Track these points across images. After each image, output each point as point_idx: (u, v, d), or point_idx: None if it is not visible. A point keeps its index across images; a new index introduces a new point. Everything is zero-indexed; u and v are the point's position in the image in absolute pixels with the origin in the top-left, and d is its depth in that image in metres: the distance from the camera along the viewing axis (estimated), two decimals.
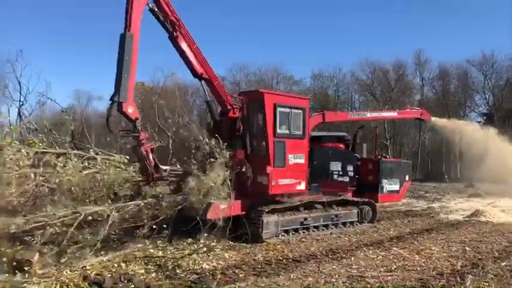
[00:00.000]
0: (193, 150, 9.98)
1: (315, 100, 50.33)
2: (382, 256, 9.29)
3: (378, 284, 7.17)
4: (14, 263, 6.71)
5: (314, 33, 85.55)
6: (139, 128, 9.24)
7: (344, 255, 9.36)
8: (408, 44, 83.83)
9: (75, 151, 9.44)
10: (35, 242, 7.22)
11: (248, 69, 60.60)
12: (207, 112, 14.60)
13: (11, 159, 8.11)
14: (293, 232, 11.14)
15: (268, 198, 10.65)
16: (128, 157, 10.26)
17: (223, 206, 9.70)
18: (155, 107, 25.44)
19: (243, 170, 10.29)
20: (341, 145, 14.57)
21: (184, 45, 10.25)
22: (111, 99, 8.81)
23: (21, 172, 8.08)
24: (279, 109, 10.69)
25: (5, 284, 6.12)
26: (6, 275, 6.36)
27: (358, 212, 13.05)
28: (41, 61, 75.53)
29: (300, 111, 11.26)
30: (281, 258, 9.00)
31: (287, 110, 10.92)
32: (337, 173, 13.71)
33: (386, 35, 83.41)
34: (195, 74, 10.65)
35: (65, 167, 8.76)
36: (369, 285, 7.13)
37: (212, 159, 9.71)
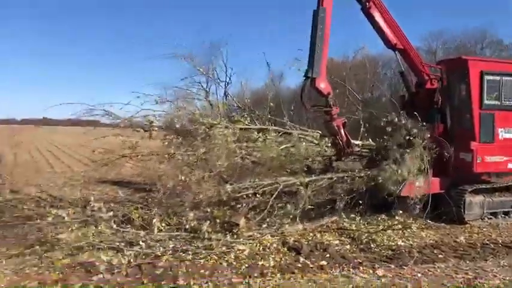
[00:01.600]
0: (388, 130, 9.60)
1: None
2: None
3: None
4: (225, 225, 7.64)
5: None
6: (331, 103, 9.30)
7: None
8: None
9: (274, 127, 10.09)
10: (241, 208, 8.08)
11: (445, 37, 54.95)
12: (401, 84, 13.91)
13: (220, 135, 9.16)
14: (503, 215, 9.91)
15: (473, 177, 9.65)
16: (319, 132, 10.52)
17: (419, 183, 9.19)
18: (346, 81, 25.33)
19: (443, 145, 9.54)
20: None
21: (377, 15, 9.86)
22: (305, 75, 9.06)
23: (229, 147, 9.04)
24: (486, 77, 9.51)
25: (218, 242, 7.00)
26: (219, 234, 7.27)
27: None
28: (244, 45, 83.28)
29: None
30: (487, 242, 8.17)
31: (497, 77, 9.63)
32: None
33: None
34: (389, 44, 10.18)
35: (265, 141, 9.49)
36: None
37: (409, 138, 9.24)
